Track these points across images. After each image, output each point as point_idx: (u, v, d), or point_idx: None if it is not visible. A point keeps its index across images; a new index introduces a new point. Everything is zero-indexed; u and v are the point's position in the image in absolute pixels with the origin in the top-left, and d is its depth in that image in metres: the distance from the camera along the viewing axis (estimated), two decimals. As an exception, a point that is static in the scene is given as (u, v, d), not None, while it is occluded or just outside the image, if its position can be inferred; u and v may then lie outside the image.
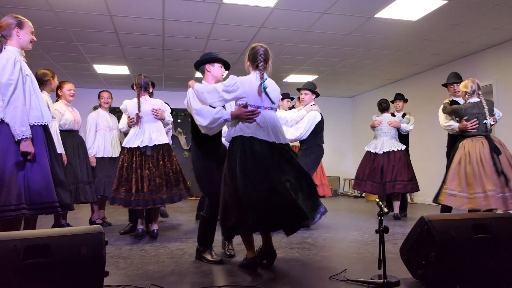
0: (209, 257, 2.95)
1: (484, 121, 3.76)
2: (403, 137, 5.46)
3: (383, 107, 5.43)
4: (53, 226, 4.22)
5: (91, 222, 4.78)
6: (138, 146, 3.82)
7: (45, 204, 2.53)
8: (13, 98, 2.49)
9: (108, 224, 4.82)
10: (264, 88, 2.64)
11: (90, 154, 4.60)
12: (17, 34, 2.60)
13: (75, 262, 1.81)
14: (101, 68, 7.20)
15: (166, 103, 4.27)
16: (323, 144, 4.48)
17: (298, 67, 7.21)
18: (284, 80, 8.01)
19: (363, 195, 8.57)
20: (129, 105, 3.96)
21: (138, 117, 3.86)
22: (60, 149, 3.84)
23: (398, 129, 5.35)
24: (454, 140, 4.06)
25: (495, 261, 2.25)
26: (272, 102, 2.72)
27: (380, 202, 2.39)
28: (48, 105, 3.13)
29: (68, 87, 4.47)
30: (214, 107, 2.75)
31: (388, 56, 6.60)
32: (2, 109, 2.48)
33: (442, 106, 4.19)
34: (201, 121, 2.73)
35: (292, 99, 5.57)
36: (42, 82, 3.84)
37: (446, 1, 4.44)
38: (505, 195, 3.51)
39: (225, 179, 2.64)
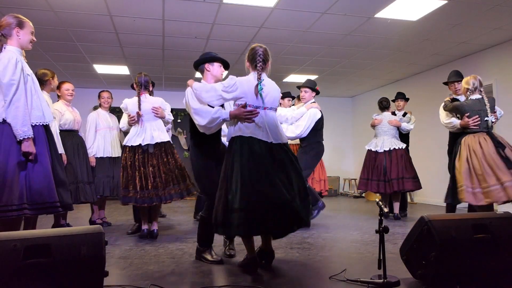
0: (209, 257, 2.95)
1: (486, 118, 3.76)
2: (403, 137, 5.45)
3: (384, 105, 5.42)
4: (53, 226, 4.23)
5: (91, 222, 4.78)
6: (140, 144, 3.82)
7: (46, 204, 2.53)
8: (15, 98, 2.49)
9: (108, 224, 4.82)
10: (260, 90, 2.63)
11: (89, 154, 4.60)
12: (17, 34, 2.60)
13: (75, 262, 1.81)
14: (101, 68, 7.20)
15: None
16: (323, 141, 4.49)
17: (298, 67, 7.21)
18: (284, 80, 8.01)
19: (363, 195, 8.57)
20: (129, 103, 3.96)
21: (139, 115, 3.86)
22: (60, 149, 3.83)
23: (398, 128, 5.35)
24: (455, 138, 4.05)
25: (495, 261, 2.25)
26: (270, 103, 2.72)
27: (380, 202, 2.39)
28: (48, 105, 3.13)
29: (66, 87, 4.47)
30: (213, 107, 2.75)
31: (388, 56, 6.60)
32: (3, 109, 2.48)
33: (443, 103, 4.18)
34: (200, 120, 2.72)
35: (293, 98, 5.58)
36: (42, 82, 3.84)
37: (446, 1, 4.44)
38: None
39: (221, 179, 2.64)
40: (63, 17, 4.79)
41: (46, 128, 2.70)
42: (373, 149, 5.33)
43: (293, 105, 5.39)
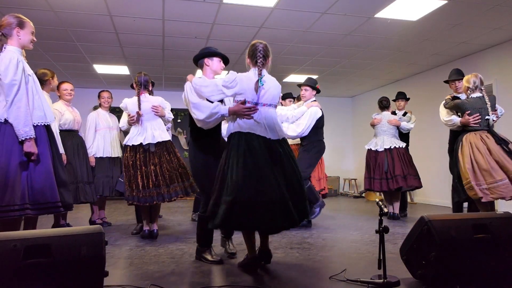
0: (209, 257, 2.95)
1: (486, 117, 3.75)
2: (403, 136, 5.45)
3: (384, 105, 5.42)
4: (53, 226, 4.23)
5: (91, 222, 4.78)
6: (141, 144, 3.82)
7: (48, 204, 2.53)
8: (17, 99, 2.49)
9: (108, 224, 4.82)
10: (260, 85, 2.63)
11: (89, 154, 4.60)
12: (17, 34, 2.60)
13: (75, 262, 1.81)
14: (101, 68, 7.20)
15: None
16: (323, 140, 4.48)
17: (298, 67, 7.21)
18: (284, 80, 8.01)
19: (363, 195, 8.58)
20: (129, 103, 3.96)
21: (139, 115, 3.86)
22: (60, 149, 3.83)
23: (398, 128, 5.35)
24: (456, 137, 4.04)
25: (495, 261, 2.25)
26: (269, 100, 2.71)
27: (380, 202, 2.39)
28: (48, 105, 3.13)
29: (64, 87, 4.47)
30: (212, 102, 2.75)
31: (388, 56, 6.60)
32: (5, 109, 2.48)
33: (443, 101, 4.18)
34: (198, 114, 2.72)
35: (294, 99, 5.57)
36: (42, 82, 3.83)
37: (446, 1, 4.44)
38: None
39: (217, 174, 2.64)
40: (63, 17, 4.79)
41: (48, 128, 2.70)
42: (373, 148, 5.33)
43: (293, 103, 5.38)
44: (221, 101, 2.89)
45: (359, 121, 9.93)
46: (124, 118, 4.11)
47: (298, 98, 5.06)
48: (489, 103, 3.77)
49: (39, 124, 2.61)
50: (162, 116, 3.99)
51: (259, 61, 2.66)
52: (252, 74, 2.69)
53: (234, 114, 2.66)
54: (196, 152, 2.97)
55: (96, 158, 4.69)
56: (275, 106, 2.80)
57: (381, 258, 2.26)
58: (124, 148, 3.97)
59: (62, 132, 4.25)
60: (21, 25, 2.61)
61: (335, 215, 5.70)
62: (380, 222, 2.29)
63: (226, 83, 2.65)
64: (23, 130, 2.47)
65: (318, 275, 2.61)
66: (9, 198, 2.40)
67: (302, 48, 6.11)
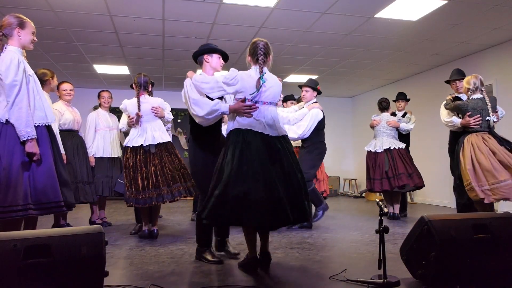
0: (209, 257, 2.94)
1: (487, 118, 3.75)
2: (404, 137, 5.45)
3: (383, 106, 5.42)
4: (53, 226, 4.23)
5: (91, 222, 4.78)
6: (142, 145, 3.81)
7: (51, 203, 2.53)
8: (18, 99, 2.48)
9: (108, 224, 4.82)
10: (262, 83, 2.62)
11: (89, 153, 4.60)
12: (18, 34, 2.60)
13: (75, 262, 1.81)
14: (101, 68, 7.20)
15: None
16: (325, 141, 4.48)
17: (298, 67, 7.21)
18: (284, 80, 8.01)
19: (363, 195, 8.58)
20: (128, 104, 3.95)
21: (138, 116, 3.85)
22: (60, 149, 3.84)
23: (397, 129, 5.35)
24: (456, 137, 4.04)
25: (495, 261, 2.25)
26: (270, 98, 2.71)
27: (380, 202, 2.39)
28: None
29: (63, 87, 4.48)
30: (212, 99, 2.74)
31: (388, 56, 6.60)
32: (6, 110, 2.48)
33: (444, 102, 4.18)
34: (198, 111, 2.71)
35: (295, 100, 5.56)
36: (42, 82, 3.82)
37: (446, 1, 4.44)
38: None
39: (214, 170, 2.64)
40: (63, 17, 4.79)
41: (49, 128, 2.71)
42: (372, 150, 5.33)
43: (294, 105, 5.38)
44: (221, 98, 2.89)
45: (359, 121, 9.93)
46: (124, 119, 4.11)
47: (299, 100, 5.06)
48: (489, 104, 3.77)
49: (40, 124, 2.61)
50: (161, 117, 4.00)
51: (260, 58, 2.66)
52: (253, 72, 2.68)
53: (234, 112, 2.65)
54: (196, 150, 2.96)
55: (95, 158, 4.69)
56: (276, 104, 2.80)
57: (381, 258, 2.26)
58: (124, 149, 3.97)
59: (62, 132, 4.25)
60: (21, 25, 2.61)
61: (335, 215, 5.70)
62: (380, 222, 2.29)
63: (227, 80, 2.65)
64: (24, 131, 2.47)
65: (318, 275, 2.61)
66: (12, 199, 2.40)
67: (302, 48, 6.11)
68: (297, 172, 2.64)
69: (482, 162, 3.56)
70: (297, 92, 4.96)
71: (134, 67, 7.10)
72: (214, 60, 3.04)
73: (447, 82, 4.62)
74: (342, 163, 10.08)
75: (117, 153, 4.85)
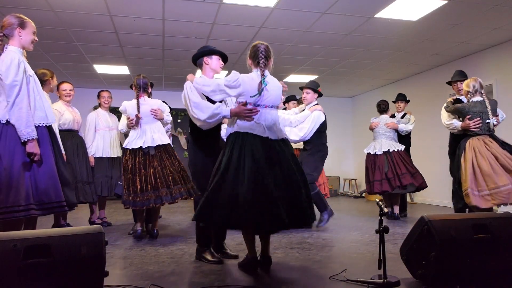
0: (209, 257, 2.95)
1: (487, 121, 3.75)
2: (404, 138, 5.45)
3: (382, 108, 5.43)
4: (53, 226, 4.23)
5: (91, 222, 4.78)
6: (141, 147, 3.81)
7: (53, 203, 2.54)
8: (18, 100, 2.48)
9: (108, 224, 4.82)
10: (264, 86, 2.62)
11: (89, 153, 4.60)
12: (19, 34, 2.60)
13: (75, 262, 1.81)
14: (101, 68, 7.20)
15: (164, 102, 4.25)
16: (327, 143, 4.48)
17: (298, 67, 7.21)
18: (284, 80, 8.00)
19: (363, 195, 8.58)
20: (128, 106, 3.95)
21: (138, 118, 3.85)
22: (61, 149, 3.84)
23: (397, 130, 5.35)
24: (456, 139, 4.04)
25: (495, 261, 2.25)
26: (271, 101, 2.70)
27: (380, 202, 2.39)
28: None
29: (63, 87, 4.48)
30: (213, 102, 2.74)
31: (388, 56, 6.60)
32: (6, 110, 2.48)
33: (445, 104, 4.18)
34: (199, 114, 2.70)
35: (297, 100, 5.56)
36: (42, 82, 3.82)
37: (446, 1, 4.44)
38: None
39: (213, 173, 2.63)
40: (63, 17, 4.79)
41: (49, 128, 2.71)
42: (371, 152, 5.33)
43: (285, 108, 5.36)
44: (221, 101, 2.89)
45: (359, 121, 9.93)
46: (123, 121, 4.10)
47: (300, 101, 5.05)
48: (489, 107, 3.77)
49: (40, 124, 2.61)
50: (160, 119, 4.00)
51: (261, 61, 2.65)
52: (254, 75, 2.67)
53: (235, 116, 2.64)
54: (196, 152, 2.96)
55: (95, 158, 4.69)
56: (277, 108, 2.79)
57: (381, 258, 2.26)
58: (123, 151, 3.97)
59: (62, 132, 4.24)
60: (22, 25, 2.61)
61: (335, 215, 5.69)
62: (380, 222, 2.29)
63: (229, 83, 2.64)
64: (25, 131, 2.47)
65: (318, 275, 2.61)
66: (14, 199, 2.40)
67: (302, 48, 6.11)
68: (298, 174, 2.62)
69: (483, 167, 3.56)
70: (297, 92, 4.96)
71: (134, 67, 7.09)
72: (214, 61, 3.03)
73: (449, 83, 4.62)
74: (342, 163, 10.08)
75: (116, 153, 4.85)
